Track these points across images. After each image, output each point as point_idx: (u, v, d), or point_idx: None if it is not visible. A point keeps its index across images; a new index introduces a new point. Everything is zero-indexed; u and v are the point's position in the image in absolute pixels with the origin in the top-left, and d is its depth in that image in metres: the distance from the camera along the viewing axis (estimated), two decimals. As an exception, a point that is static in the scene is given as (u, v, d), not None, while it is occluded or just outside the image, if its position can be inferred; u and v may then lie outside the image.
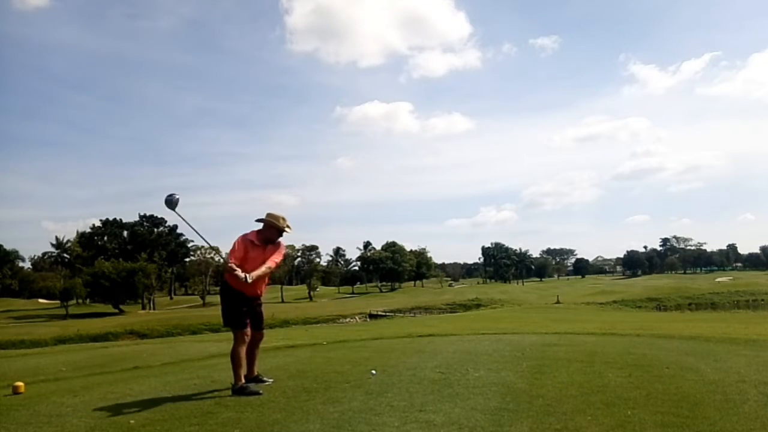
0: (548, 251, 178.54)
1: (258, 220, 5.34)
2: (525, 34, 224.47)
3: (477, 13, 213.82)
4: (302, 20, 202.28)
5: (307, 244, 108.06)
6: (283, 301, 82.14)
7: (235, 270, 4.93)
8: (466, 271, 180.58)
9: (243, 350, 5.10)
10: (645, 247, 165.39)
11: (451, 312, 56.85)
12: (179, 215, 5.32)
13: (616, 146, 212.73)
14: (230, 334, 5.37)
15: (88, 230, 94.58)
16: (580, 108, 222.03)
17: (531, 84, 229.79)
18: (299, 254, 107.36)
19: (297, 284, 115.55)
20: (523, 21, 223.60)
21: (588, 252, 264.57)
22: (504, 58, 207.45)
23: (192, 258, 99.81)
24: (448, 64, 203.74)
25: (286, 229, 5.32)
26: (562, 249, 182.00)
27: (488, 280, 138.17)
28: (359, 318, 53.28)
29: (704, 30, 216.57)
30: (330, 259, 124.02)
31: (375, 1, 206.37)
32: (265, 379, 5.28)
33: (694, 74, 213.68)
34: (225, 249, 5.80)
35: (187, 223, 5.43)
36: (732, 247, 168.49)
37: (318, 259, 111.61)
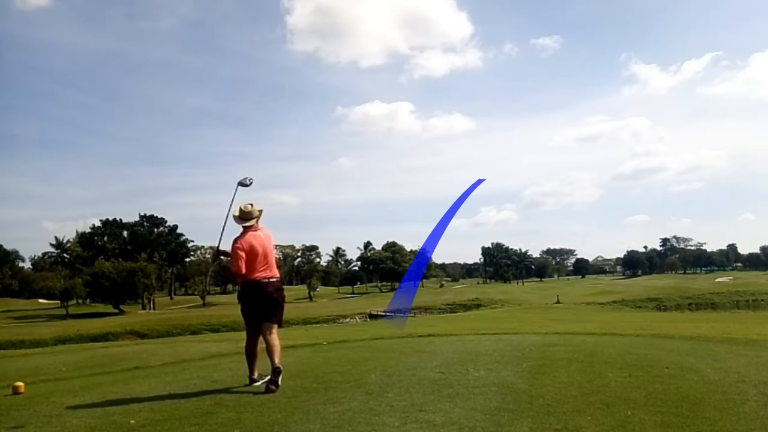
0: (548, 251, 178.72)
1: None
2: (526, 34, 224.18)
3: (479, 13, 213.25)
4: (303, 20, 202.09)
5: (308, 244, 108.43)
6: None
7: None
8: (466, 271, 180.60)
9: (247, 347, 5.33)
10: (645, 247, 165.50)
11: (451, 312, 56.87)
12: (233, 196, 5.49)
13: (617, 146, 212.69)
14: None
15: (88, 230, 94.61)
16: (581, 108, 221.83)
17: (532, 84, 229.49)
18: (299, 254, 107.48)
19: (297, 284, 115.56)
20: (524, 21, 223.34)
21: (588, 252, 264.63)
22: (505, 58, 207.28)
23: (192, 258, 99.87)
24: (450, 64, 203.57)
25: (239, 214, 5.42)
26: (562, 249, 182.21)
27: (488, 280, 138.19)
28: (359, 318, 53.27)
29: (705, 30, 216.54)
30: (330, 259, 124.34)
31: (376, 0, 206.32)
32: (258, 381, 5.26)
33: (695, 74, 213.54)
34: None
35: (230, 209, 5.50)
36: (732, 247, 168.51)
37: (318, 259, 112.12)
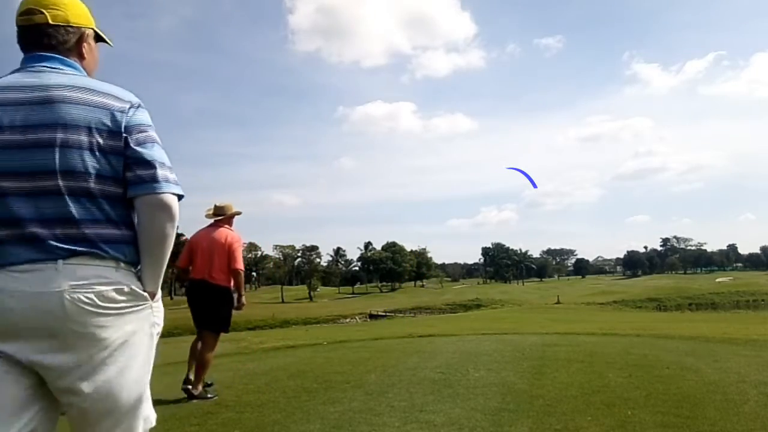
0: (548, 251, 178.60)
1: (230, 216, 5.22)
2: (529, 34, 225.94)
3: (482, 13, 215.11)
4: (305, 20, 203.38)
5: (308, 244, 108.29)
6: (283, 301, 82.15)
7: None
8: (467, 271, 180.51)
9: (192, 345, 4.98)
10: (645, 248, 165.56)
11: (451, 312, 56.84)
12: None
13: (619, 146, 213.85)
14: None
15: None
16: (583, 107, 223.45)
17: (534, 84, 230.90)
18: (299, 254, 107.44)
19: (297, 284, 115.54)
20: (527, 21, 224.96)
21: (588, 252, 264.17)
22: (508, 58, 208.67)
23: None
24: (452, 64, 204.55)
25: (213, 210, 5.21)
26: (562, 249, 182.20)
27: (488, 281, 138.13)
28: (359, 318, 53.24)
29: (708, 29, 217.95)
30: (330, 259, 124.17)
31: (379, 0, 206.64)
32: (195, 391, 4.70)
33: (696, 74, 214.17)
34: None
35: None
36: (732, 248, 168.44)
37: (318, 260, 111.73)
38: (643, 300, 66.52)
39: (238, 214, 5.21)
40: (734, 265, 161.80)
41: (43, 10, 1.60)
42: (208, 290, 4.83)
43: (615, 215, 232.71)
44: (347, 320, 50.81)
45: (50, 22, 1.60)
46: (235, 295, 4.96)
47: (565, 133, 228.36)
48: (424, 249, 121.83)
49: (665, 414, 3.67)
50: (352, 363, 6.25)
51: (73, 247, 1.45)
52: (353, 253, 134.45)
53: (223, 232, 4.97)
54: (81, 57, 1.68)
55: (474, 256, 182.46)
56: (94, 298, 1.44)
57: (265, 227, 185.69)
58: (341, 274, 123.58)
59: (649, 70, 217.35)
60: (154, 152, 1.54)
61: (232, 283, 4.94)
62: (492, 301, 67.93)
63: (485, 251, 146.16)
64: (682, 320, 26.87)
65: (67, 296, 1.41)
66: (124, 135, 1.51)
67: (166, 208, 1.54)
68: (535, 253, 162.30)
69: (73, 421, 1.51)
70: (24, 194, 1.45)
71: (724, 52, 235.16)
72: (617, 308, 57.51)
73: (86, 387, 1.44)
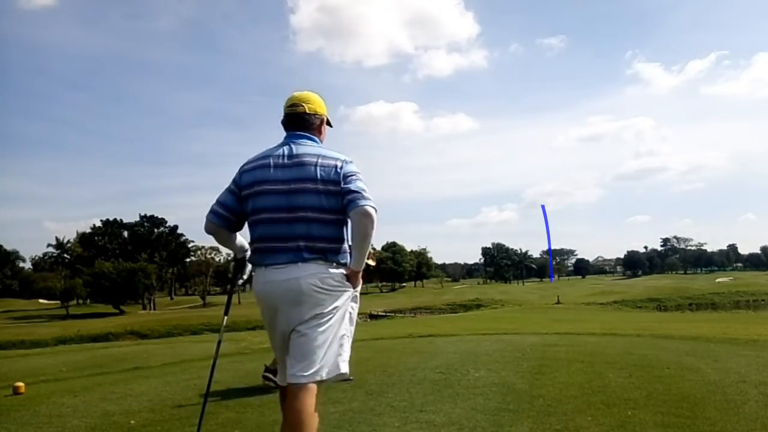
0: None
1: None
2: (532, 34, 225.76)
3: (485, 13, 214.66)
4: (307, 19, 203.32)
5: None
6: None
7: None
8: (467, 271, 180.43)
9: None
10: (645, 248, 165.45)
11: (451, 312, 56.86)
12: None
13: (620, 146, 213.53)
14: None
15: (89, 230, 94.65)
16: (585, 107, 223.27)
17: (536, 84, 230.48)
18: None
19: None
20: (530, 21, 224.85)
21: (588, 252, 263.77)
22: (510, 58, 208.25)
23: (192, 258, 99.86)
24: (454, 63, 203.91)
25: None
26: (562, 249, 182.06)
27: (489, 281, 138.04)
28: (359, 318, 53.02)
29: (709, 29, 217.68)
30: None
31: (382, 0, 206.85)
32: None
33: (698, 74, 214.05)
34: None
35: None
36: (732, 248, 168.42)
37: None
38: (644, 300, 66.52)
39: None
40: (734, 265, 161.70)
41: (303, 104, 2.67)
42: None
43: (615, 215, 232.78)
44: (347, 320, 50.73)
45: (307, 111, 2.67)
46: None
47: (566, 133, 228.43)
48: (424, 249, 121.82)
49: (665, 414, 3.67)
50: (352, 363, 6.24)
51: (310, 255, 2.44)
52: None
53: None
54: (320, 133, 2.73)
55: (474, 256, 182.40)
56: (318, 282, 2.42)
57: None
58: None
59: (650, 70, 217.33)
60: (358, 185, 2.49)
61: None
62: (492, 301, 67.95)
63: (485, 251, 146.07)
64: (682, 320, 26.86)
65: (303, 281, 2.40)
66: (341, 181, 2.47)
67: (368, 215, 2.43)
68: (536, 253, 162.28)
69: (298, 351, 2.45)
70: (287, 221, 2.47)
71: (725, 52, 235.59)
72: (617, 308, 57.50)
73: (310, 332, 2.42)
